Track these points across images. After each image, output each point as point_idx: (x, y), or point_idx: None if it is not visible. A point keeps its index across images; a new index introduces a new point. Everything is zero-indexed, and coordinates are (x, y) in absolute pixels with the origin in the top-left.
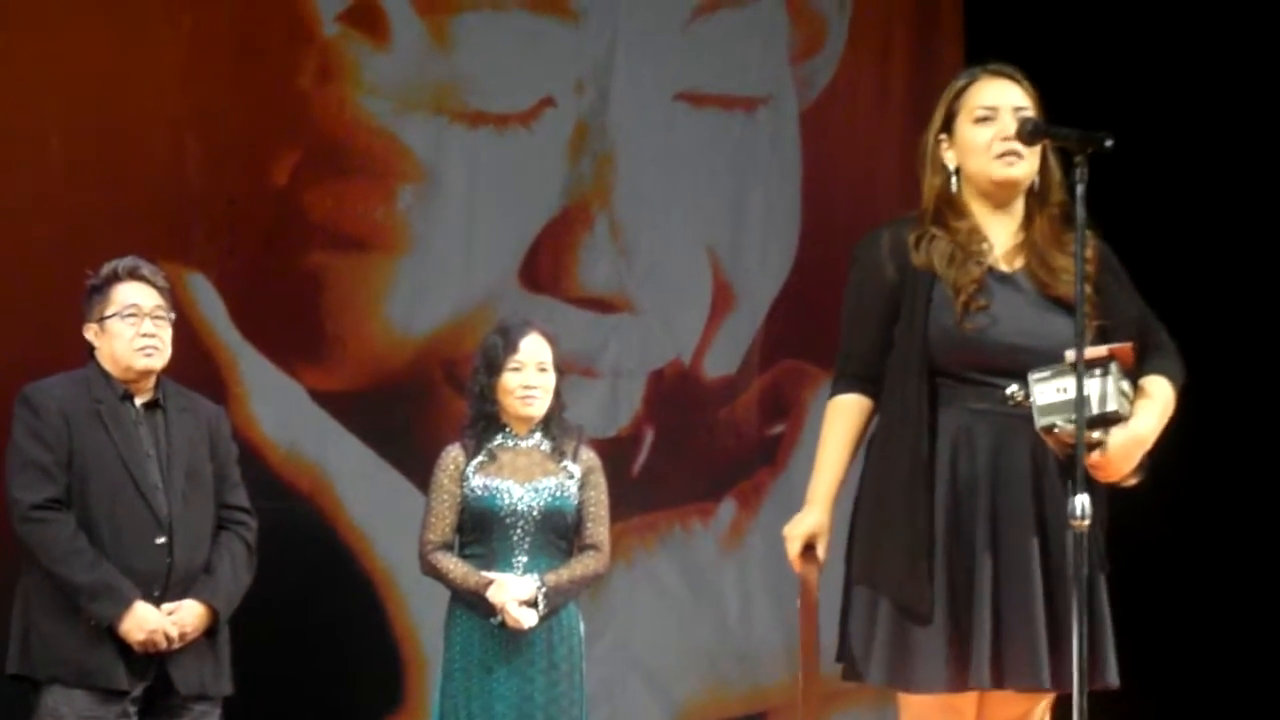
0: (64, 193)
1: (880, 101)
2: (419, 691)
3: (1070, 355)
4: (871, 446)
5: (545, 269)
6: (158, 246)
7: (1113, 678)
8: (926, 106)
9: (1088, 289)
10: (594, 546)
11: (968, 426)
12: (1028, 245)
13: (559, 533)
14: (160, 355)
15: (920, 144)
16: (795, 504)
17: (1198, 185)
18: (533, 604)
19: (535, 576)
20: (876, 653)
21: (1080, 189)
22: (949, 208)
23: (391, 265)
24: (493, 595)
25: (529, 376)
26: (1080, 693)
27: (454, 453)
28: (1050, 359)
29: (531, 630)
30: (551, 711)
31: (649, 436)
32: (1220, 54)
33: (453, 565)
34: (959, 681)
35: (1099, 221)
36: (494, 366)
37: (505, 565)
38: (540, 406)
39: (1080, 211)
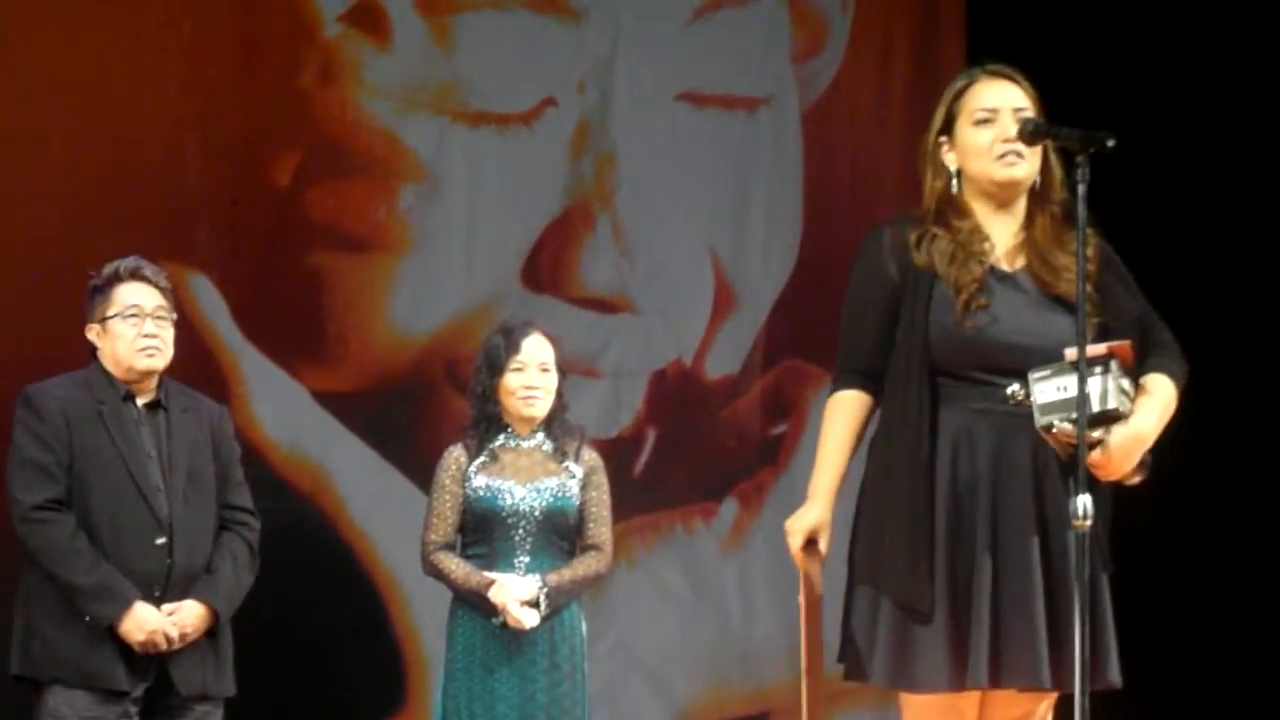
0: (66, 193)
1: (882, 101)
2: (421, 692)
3: (1070, 353)
4: (873, 446)
5: (547, 269)
6: (159, 247)
7: (1115, 677)
8: (928, 106)
9: (1089, 288)
10: (596, 547)
11: (969, 426)
12: (1029, 244)
13: (561, 533)
14: (162, 356)
15: (921, 146)
16: (797, 504)
17: (1199, 184)
18: (534, 604)
19: (537, 577)
20: (878, 652)
21: (1082, 189)
22: (950, 208)
23: (393, 265)
24: (494, 595)
25: (531, 377)
26: (1082, 693)
27: (456, 453)
28: (1051, 358)
29: (533, 630)
30: (554, 712)
31: (651, 437)
32: (1222, 53)
33: (454, 565)
34: (960, 681)
35: (1100, 221)
36: (496, 367)
37: (507, 565)
38: (542, 407)
39: (1082, 211)
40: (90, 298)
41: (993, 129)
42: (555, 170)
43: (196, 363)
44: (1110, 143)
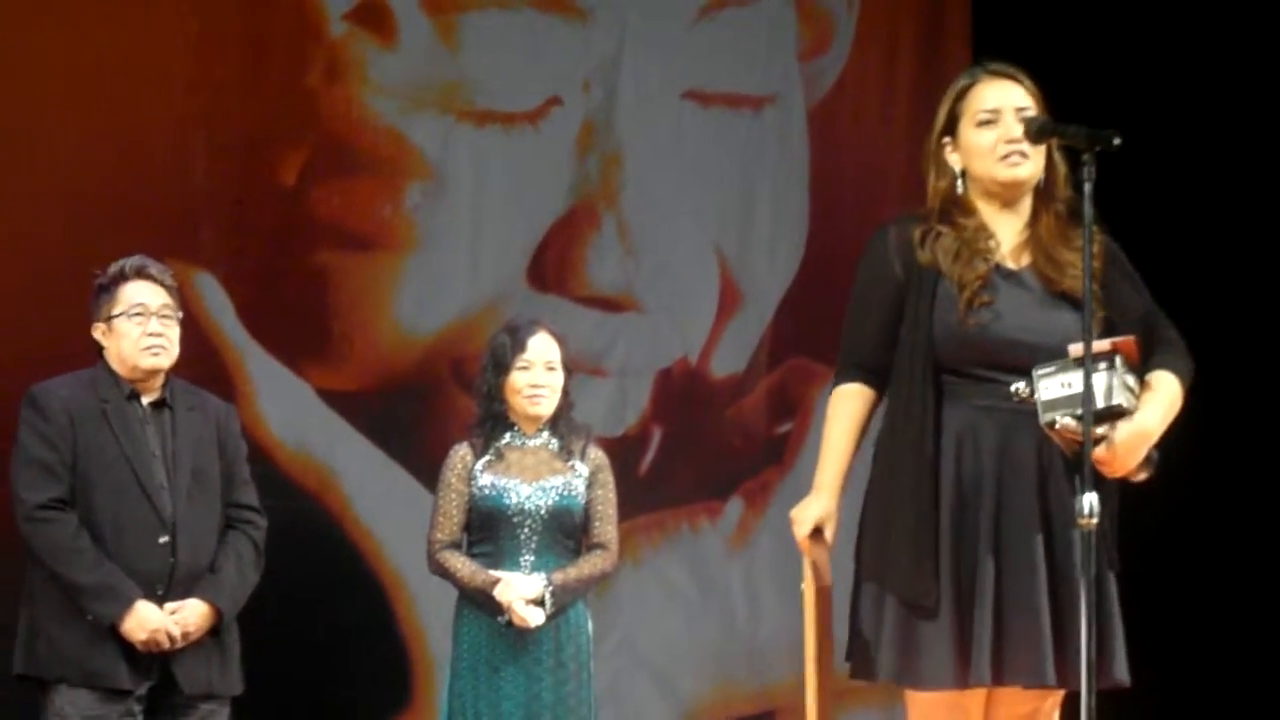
0: (72, 192)
1: (888, 99)
2: (427, 691)
3: (1073, 350)
4: (878, 445)
5: (553, 268)
6: (165, 246)
7: (1122, 675)
8: (934, 104)
9: (1094, 285)
10: (602, 545)
11: (973, 424)
12: (1034, 242)
13: (566, 532)
14: (167, 354)
15: (925, 146)
16: None
17: (1205, 182)
18: (540, 603)
19: (542, 575)
20: (884, 649)
21: (1088, 187)
22: (955, 207)
23: (399, 264)
24: (500, 594)
25: (537, 375)
26: (1088, 691)
27: (462, 451)
28: (1055, 355)
29: (539, 629)
30: (559, 711)
31: (656, 435)
32: (1227, 51)
33: (460, 564)
34: (964, 678)
35: (1105, 218)
36: (502, 365)
37: (513, 564)
38: (548, 405)
39: (1088, 209)
40: (96, 297)
41: (996, 130)
42: (561, 169)
43: (202, 361)
44: (1116, 141)
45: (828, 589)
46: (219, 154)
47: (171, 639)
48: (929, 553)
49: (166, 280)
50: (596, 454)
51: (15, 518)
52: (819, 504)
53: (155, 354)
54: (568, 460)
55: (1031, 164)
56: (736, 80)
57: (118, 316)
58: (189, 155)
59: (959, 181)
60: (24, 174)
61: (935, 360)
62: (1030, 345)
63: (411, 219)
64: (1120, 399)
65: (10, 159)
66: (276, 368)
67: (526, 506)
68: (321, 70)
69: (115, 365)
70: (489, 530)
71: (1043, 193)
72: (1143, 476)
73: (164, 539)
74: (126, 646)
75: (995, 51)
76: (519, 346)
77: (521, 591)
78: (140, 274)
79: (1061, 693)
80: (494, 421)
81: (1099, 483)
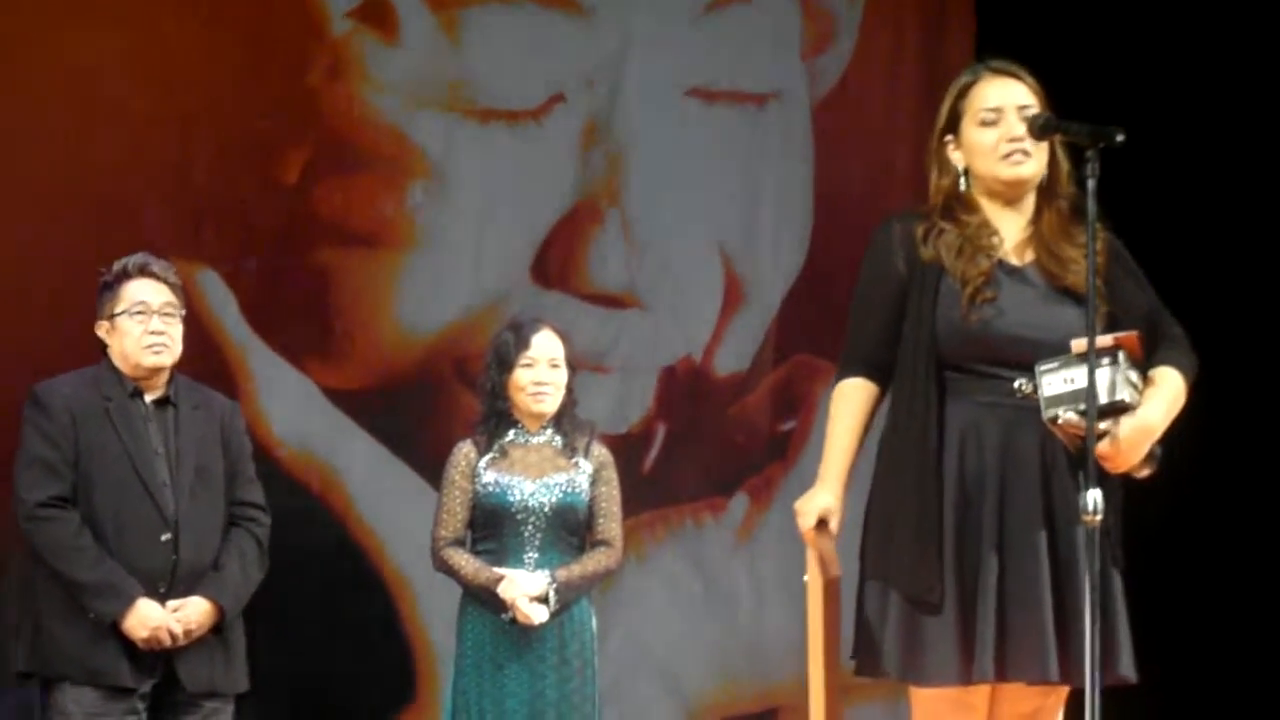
0: (75, 191)
1: (891, 96)
2: (431, 688)
3: (1076, 345)
4: (882, 442)
5: (556, 265)
6: (168, 243)
7: (1128, 671)
8: (937, 101)
9: (1097, 282)
10: (606, 542)
11: (976, 420)
12: (1037, 239)
13: (570, 529)
14: (170, 352)
15: (928, 143)
16: None
17: (1208, 179)
18: (543, 600)
19: (546, 572)
20: (888, 646)
21: (1092, 183)
22: (958, 203)
23: (402, 262)
24: (503, 591)
25: (541, 373)
26: (1093, 688)
27: (465, 449)
28: (1058, 351)
29: (543, 626)
30: (563, 708)
31: (660, 432)
32: (1230, 48)
33: (464, 561)
34: (968, 674)
35: (1109, 215)
36: (506, 363)
37: (516, 561)
38: (552, 403)
39: (1092, 206)
40: (100, 295)
41: (998, 129)
42: (564, 166)
43: (205, 359)
44: (1120, 137)
45: (836, 581)
46: (221, 152)
47: (173, 637)
48: (933, 549)
49: (169, 278)
50: (600, 451)
51: (17, 516)
52: (823, 495)
53: (157, 352)
54: (571, 457)
55: (1034, 162)
56: (740, 77)
57: (120, 314)
58: (191, 153)
59: (962, 179)
60: (26, 173)
61: (938, 356)
62: (1033, 341)
63: (414, 217)
64: (1123, 394)
65: (15, 158)
66: (279, 365)
67: (530, 504)
68: (324, 68)
69: (118, 363)
70: (493, 527)
71: (1046, 190)
72: (1146, 473)
73: (166, 537)
74: (129, 644)
75: (998, 48)
76: (522, 344)
77: (525, 589)
78: (143, 272)
79: (1066, 690)
80: (498, 419)
81: (1103, 479)
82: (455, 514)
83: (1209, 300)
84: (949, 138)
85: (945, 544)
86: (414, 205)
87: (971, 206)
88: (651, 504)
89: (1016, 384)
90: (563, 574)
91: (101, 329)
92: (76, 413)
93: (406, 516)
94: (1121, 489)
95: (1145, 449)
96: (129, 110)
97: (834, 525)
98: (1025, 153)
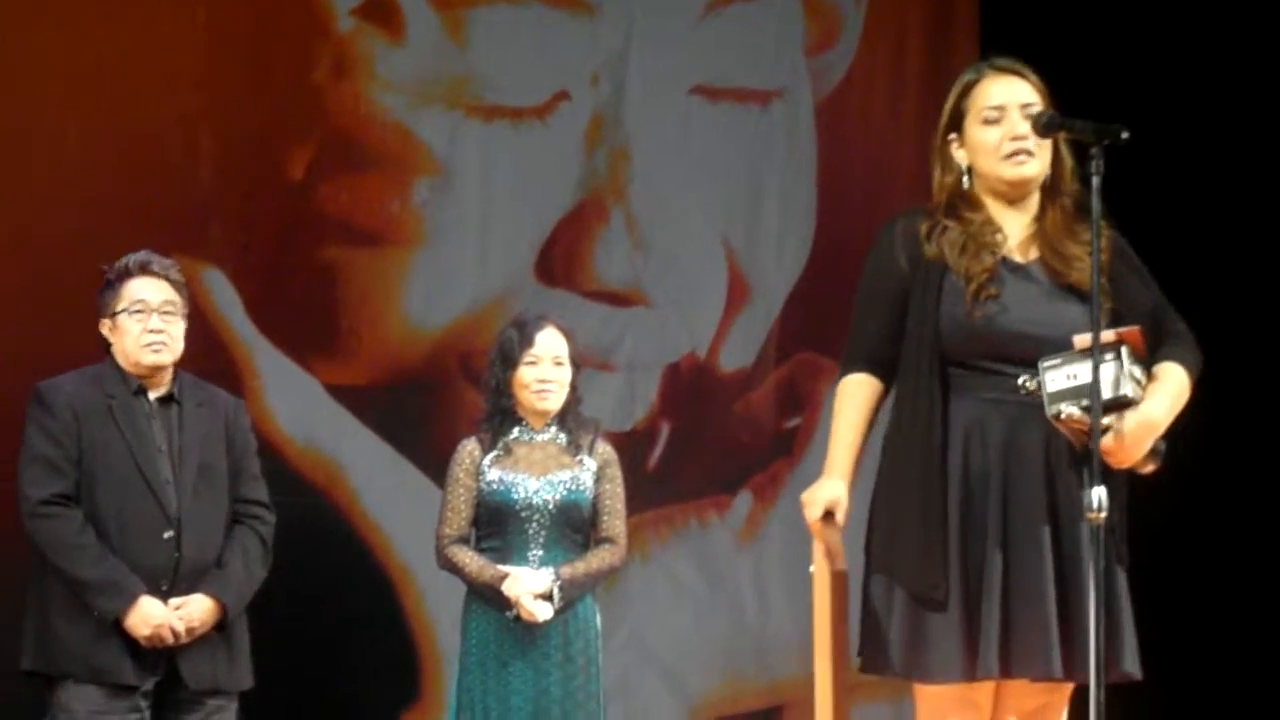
0: (81, 189)
1: (896, 94)
2: (436, 685)
3: (1078, 341)
4: (886, 440)
5: (561, 263)
6: (173, 241)
7: (1132, 668)
8: (942, 99)
9: (1101, 279)
10: (610, 540)
11: (980, 417)
12: (1040, 236)
13: (575, 526)
14: (169, 350)
15: (932, 141)
16: None
17: (1212, 176)
18: (548, 597)
19: (550, 570)
20: (893, 643)
21: (1096, 180)
22: (962, 201)
23: (407, 259)
24: (508, 589)
25: (545, 370)
26: (1097, 685)
27: (470, 446)
28: (1062, 347)
29: (547, 624)
30: (567, 705)
31: (665, 430)
32: (1234, 46)
33: (468, 559)
34: (973, 671)
35: (1113, 213)
36: (510, 360)
37: (521, 559)
38: (556, 400)
39: (1096, 203)
40: (102, 293)
41: (1001, 127)
42: (569, 164)
43: (210, 356)
44: (1124, 135)
45: (843, 575)
46: (227, 150)
47: (176, 634)
48: (938, 545)
49: (171, 275)
50: (604, 449)
51: (21, 514)
52: (830, 486)
53: (156, 350)
54: (576, 455)
55: (1038, 161)
56: (744, 75)
57: (121, 313)
58: (196, 151)
59: (965, 178)
60: (31, 172)
61: (942, 353)
62: (1037, 338)
63: (419, 214)
64: (1127, 389)
65: (20, 157)
66: (284, 363)
67: (534, 501)
68: (329, 66)
69: (121, 361)
70: (497, 525)
71: (1050, 187)
72: (1150, 469)
73: (169, 534)
74: (131, 642)
75: (1003, 45)
76: (526, 341)
77: (529, 586)
78: (143, 270)
79: (1070, 687)
80: (502, 416)
81: (1108, 476)
82: (459, 511)
83: (1213, 297)
84: (953, 136)
85: (950, 541)
86: (419, 203)
87: (975, 204)
88: (656, 502)
89: (1020, 380)
90: (567, 571)
91: (104, 327)
92: (79, 410)
93: (411, 513)
94: (1126, 486)
95: (1148, 444)
96: (133, 108)
97: (840, 517)
98: (1029, 151)
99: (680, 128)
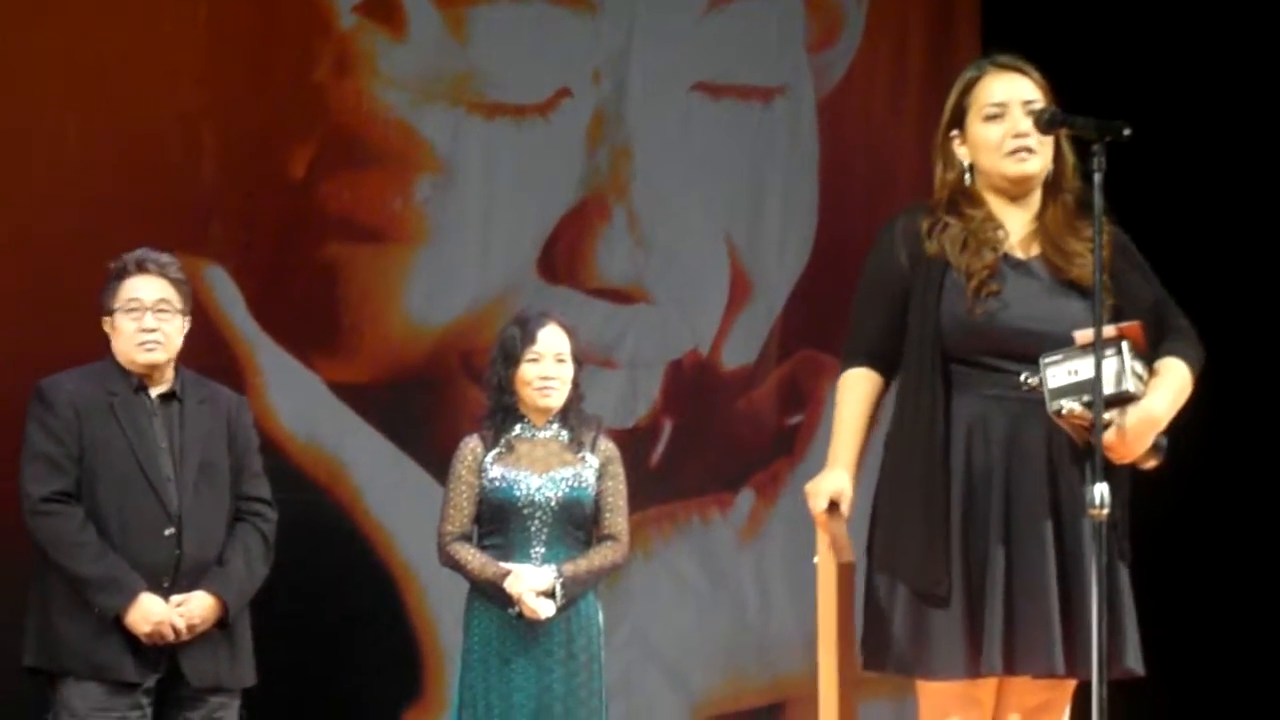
0: (82, 187)
1: (897, 91)
2: (438, 683)
3: (1078, 337)
4: (889, 437)
5: (563, 260)
6: (175, 239)
7: (1135, 665)
8: (944, 96)
9: (1103, 275)
10: (612, 537)
11: (982, 414)
12: (1042, 232)
13: (577, 523)
14: (163, 349)
15: (934, 138)
16: None
17: (1214, 172)
18: (550, 594)
19: (553, 567)
20: (895, 640)
21: (1098, 177)
22: (963, 197)
23: (409, 257)
24: (510, 586)
25: (547, 367)
26: (1100, 681)
27: (472, 444)
28: (1063, 343)
29: (549, 621)
30: (570, 702)
31: (667, 427)
32: (1236, 43)
33: (470, 556)
34: (975, 668)
35: (1115, 209)
36: (512, 357)
37: (523, 556)
38: (558, 397)
39: (1098, 200)
40: (103, 291)
41: (1002, 124)
42: (571, 161)
43: (213, 354)
44: (1126, 131)
45: (850, 565)
46: (228, 148)
47: (176, 631)
48: (940, 542)
49: (170, 273)
50: (607, 445)
51: (22, 512)
52: (834, 478)
53: (150, 349)
54: (578, 452)
55: (1039, 158)
56: (746, 72)
57: (117, 311)
58: (198, 149)
59: (967, 174)
60: (31, 171)
61: (944, 350)
62: (1039, 334)
63: (422, 211)
64: (1128, 385)
65: (22, 156)
66: (287, 360)
67: (537, 498)
68: (331, 63)
69: (119, 358)
70: (499, 522)
71: (1051, 184)
72: (1152, 464)
73: (169, 531)
74: (133, 639)
75: (1005, 42)
76: (528, 338)
77: (532, 583)
78: (140, 268)
79: (1072, 684)
80: (504, 413)
81: (1110, 472)
82: (462, 509)
83: (1216, 293)
84: (954, 133)
85: (952, 537)
86: (421, 200)
87: (976, 201)
88: (658, 499)
89: (1022, 377)
90: (569, 569)
91: (106, 324)
92: (80, 408)
93: (413, 511)
94: (1129, 482)
95: (1150, 439)
96: (135, 107)
97: (845, 508)
98: (1030, 149)
99: (682, 125)
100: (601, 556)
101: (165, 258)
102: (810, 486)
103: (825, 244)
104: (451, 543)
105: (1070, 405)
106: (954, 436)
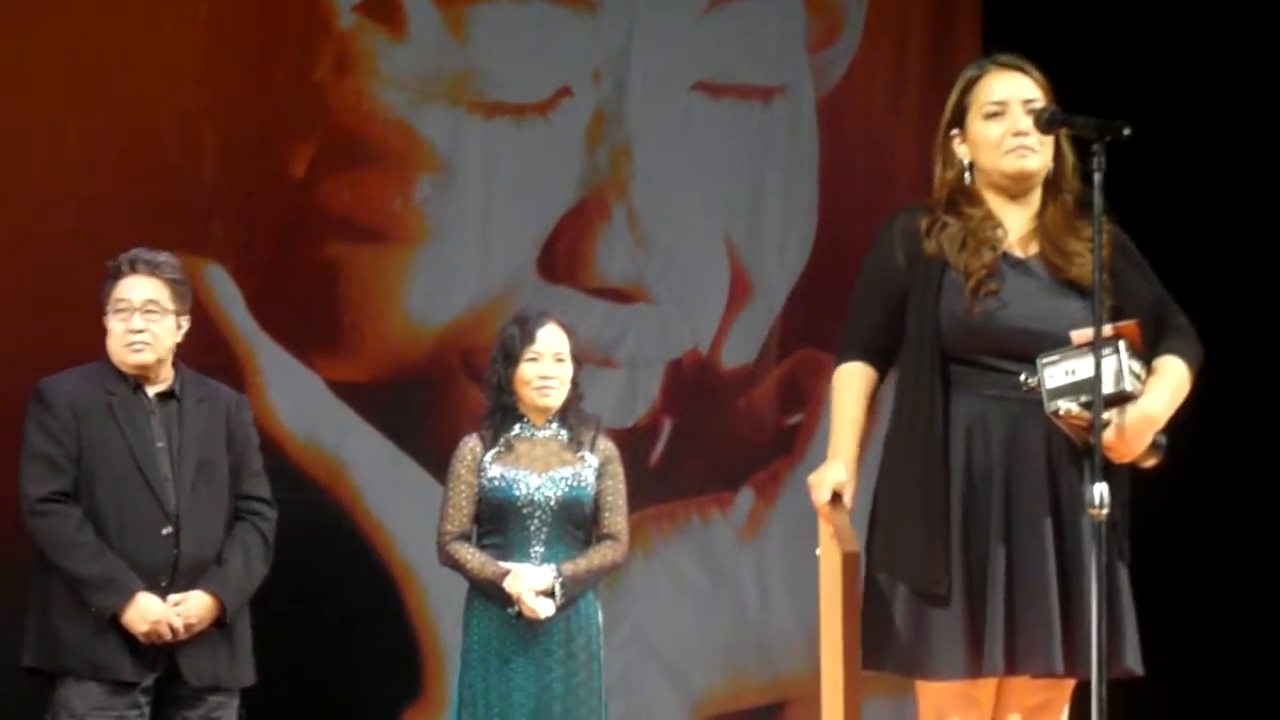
0: (80, 188)
1: (897, 90)
2: (438, 682)
3: (1075, 336)
4: (888, 437)
5: (563, 259)
6: (175, 239)
7: (1134, 664)
8: (944, 95)
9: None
10: (612, 536)
11: (982, 414)
12: (1041, 231)
13: (576, 523)
14: (151, 350)
15: (935, 137)
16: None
17: (1214, 172)
18: (550, 594)
19: (552, 566)
20: (894, 640)
21: (1098, 177)
22: (963, 196)
23: (409, 256)
24: (510, 585)
25: (546, 367)
26: (1099, 681)
27: (471, 443)
28: (1062, 343)
29: (549, 620)
30: (569, 702)
31: (667, 426)
32: (1236, 42)
33: (470, 555)
34: (976, 668)
35: (1114, 208)
36: (511, 357)
37: (522, 555)
38: (557, 397)
39: (1098, 199)
40: (101, 290)
41: (1003, 122)
42: (571, 160)
43: (213, 353)
44: (1126, 131)
45: (855, 555)
46: (228, 147)
47: (174, 631)
48: (940, 541)
49: (163, 273)
50: (606, 445)
51: (21, 512)
52: (836, 469)
53: (137, 350)
54: (577, 451)
55: (1039, 156)
56: (746, 71)
57: (109, 312)
58: (198, 149)
59: (966, 174)
60: (31, 171)
61: (942, 349)
62: (1037, 333)
63: (422, 211)
64: (1126, 384)
65: (23, 155)
66: (287, 360)
67: (536, 498)
68: (331, 63)
69: (112, 359)
70: (499, 522)
71: (1051, 183)
72: (1151, 463)
73: (167, 531)
74: (131, 639)
75: (1005, 42)
76: (528, 338)
77: (531, 583)
78: (132, 268)
79: (1072, 683)
80: (503, 413)
81: (1110, 472)
82: (461, 508)
83: (1215, 292)
84: (955, 131)
85: (952, 536)
86: (421, 199)
87: (976, 200)
88: (658, 498)
89: (1022, 378)
90: (569, 568)
91: (106, 324)
92: (79, 408)
93: (413, 510)
94: (1128, 481)
95: (1148, 438)
96: (135, 106)
97: (848, 498)
98: (1030, 147)
99: (682, 124)
100: (601, 556)
101: (161, 257)
102: (813, 478)
103: (825, 243)
104: (451, 542)
105: (1068, 406)
106: (953, 436)
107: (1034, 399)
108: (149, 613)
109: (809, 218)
